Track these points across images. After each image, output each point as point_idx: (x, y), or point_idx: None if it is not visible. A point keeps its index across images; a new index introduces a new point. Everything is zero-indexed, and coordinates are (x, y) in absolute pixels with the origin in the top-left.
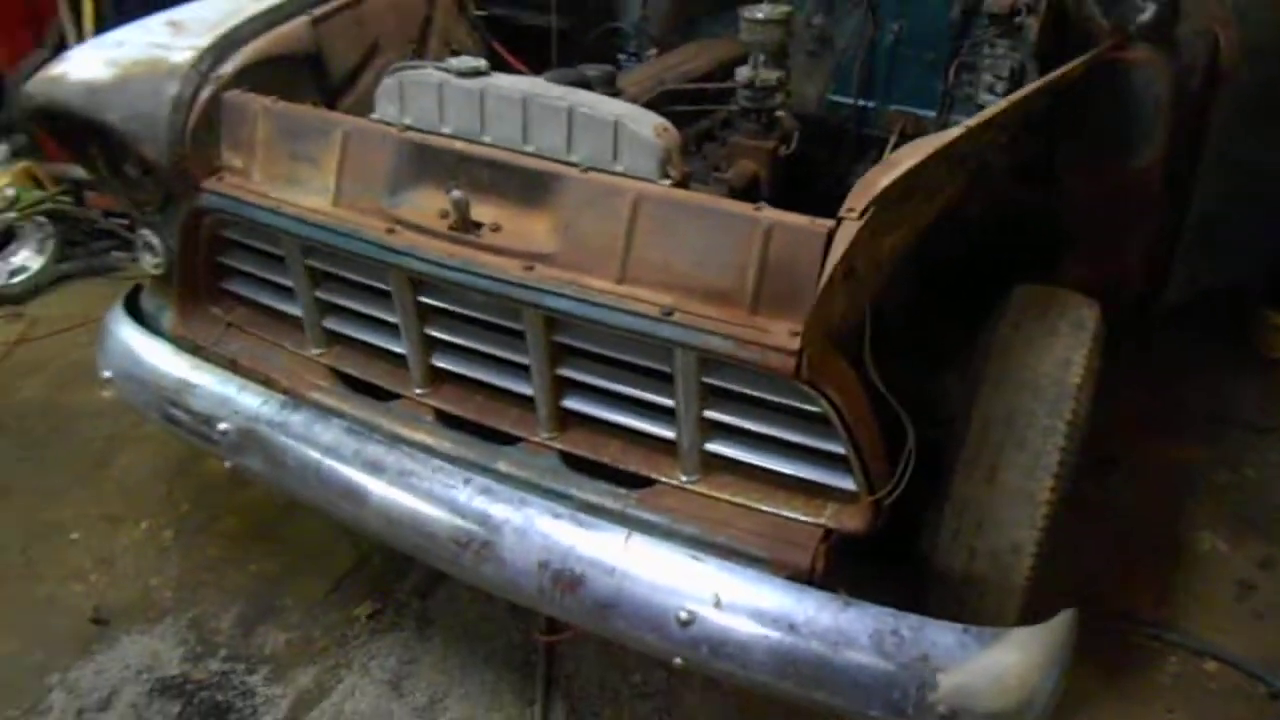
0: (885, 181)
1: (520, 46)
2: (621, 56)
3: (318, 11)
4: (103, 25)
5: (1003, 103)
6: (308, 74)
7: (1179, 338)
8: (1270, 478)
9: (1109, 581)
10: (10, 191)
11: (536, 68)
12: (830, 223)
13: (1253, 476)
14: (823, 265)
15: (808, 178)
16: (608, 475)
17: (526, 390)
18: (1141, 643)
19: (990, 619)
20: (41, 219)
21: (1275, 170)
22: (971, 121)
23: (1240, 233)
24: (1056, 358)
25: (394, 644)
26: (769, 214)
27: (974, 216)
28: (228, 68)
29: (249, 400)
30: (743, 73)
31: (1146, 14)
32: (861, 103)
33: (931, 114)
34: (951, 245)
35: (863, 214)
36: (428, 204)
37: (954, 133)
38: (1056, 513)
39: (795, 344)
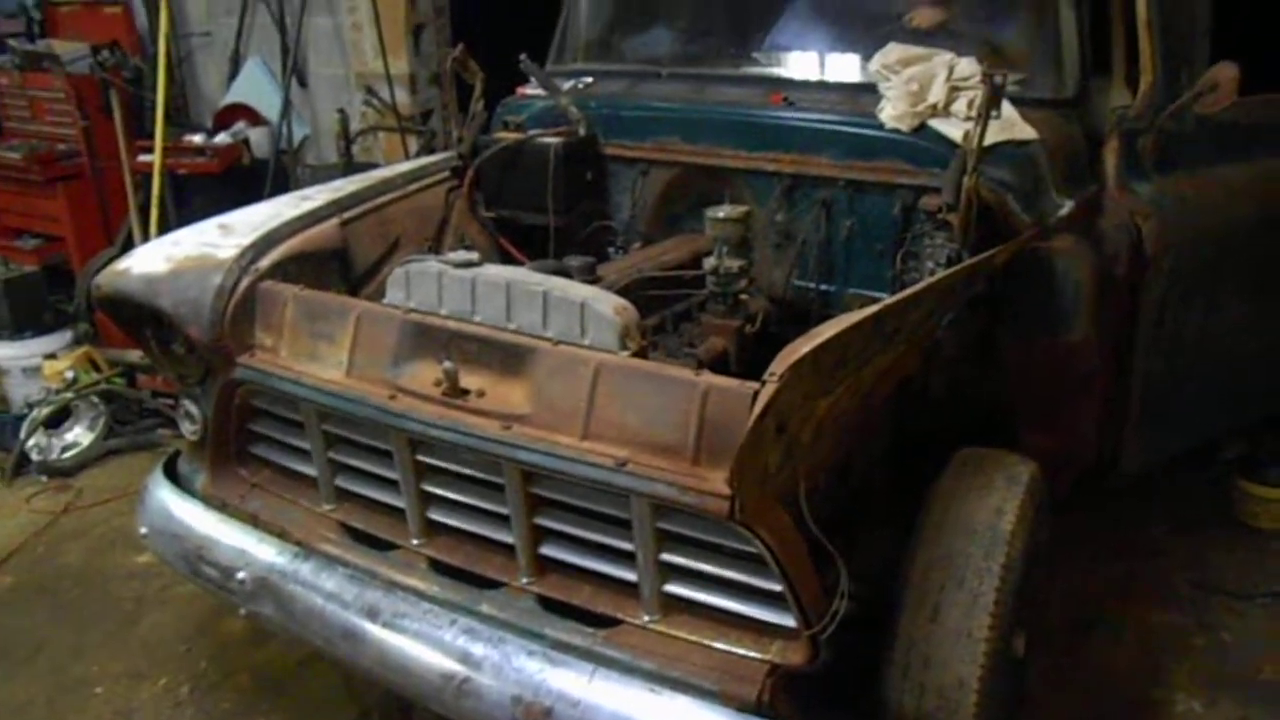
0: (805, 349)
1: (526, 241)
2: (611, 250)
3: (347, 215)
4: (166, 226)
5: (920, 284)
6: (335, 267)
7: (1163, 507)
8: (1246, 643)
9: None
10: (70, 374)
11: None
12: (756, 385)
13: (1229, 641)
14: None
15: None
16: (579, 616)
17: (509, 539)
18: None
19: None
20: (95, 399)
21: (1214, 346)
22: (890, 300)
23: (1189, 405)
24: (990, 507)
25: None
26: (706, 378)
27: (940, 392)
28: (265, 262)
29: (264, 552)
30: (709, 262)
31: (1063, 210)
32: (822, 287)
33: (884, 296)
34: (924, 418)
35: (781, 377)
36: (425, 374)
37: (872, 309)
38: (998, 651)
39: (728, 490)
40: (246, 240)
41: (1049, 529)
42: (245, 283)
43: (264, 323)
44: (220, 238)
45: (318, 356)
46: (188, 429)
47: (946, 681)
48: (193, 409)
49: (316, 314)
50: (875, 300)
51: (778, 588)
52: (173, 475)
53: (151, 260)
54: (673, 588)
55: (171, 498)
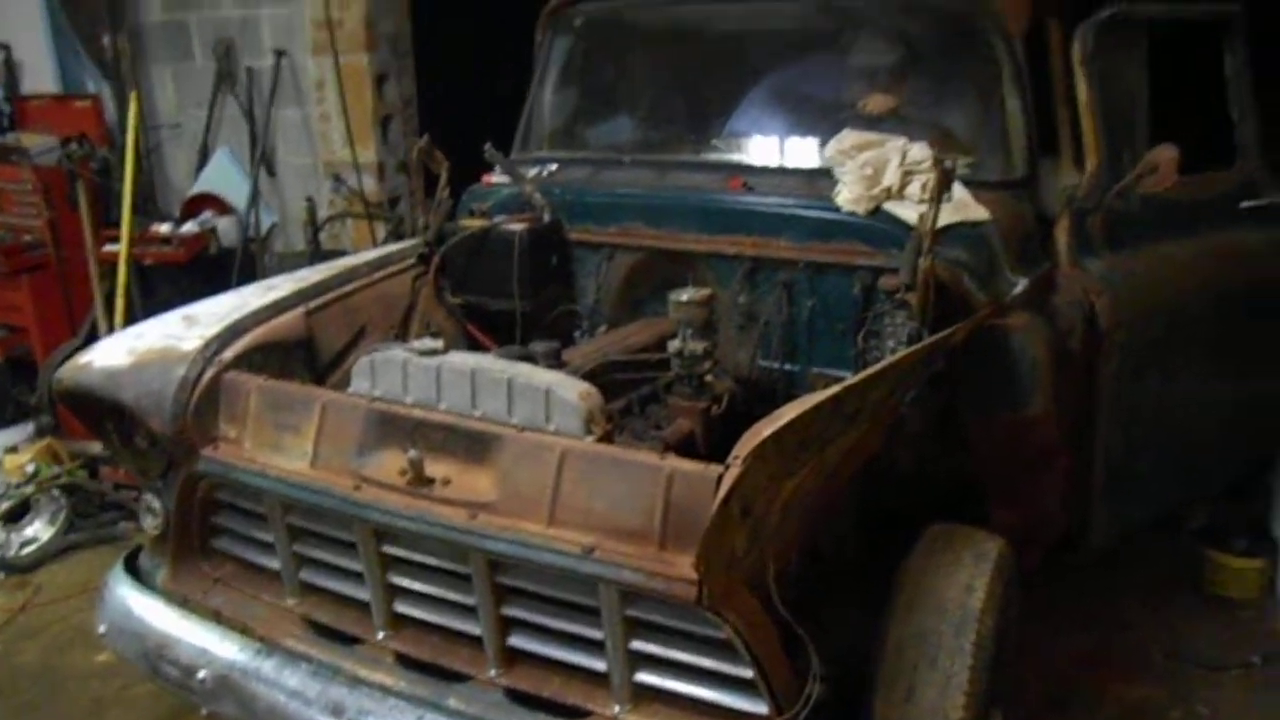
0: (767, 431)
1: (492, 327)
2: (576, 334)
3: (312, 304)
4: (131, 316)
5: (878, 365)
6: (301, 356)
7: (1132, 577)
8: (1223, 715)
9: None
10: (31, 467)
11: (505, 345)
12: (720, 468)
13: (1205, 714)
14: None
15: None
16: (549, 708)
17: (476, 631)
18: None
19: None
20: (56, 492)
21: (1173, 417)
22: (850, 380)
23: (1151, 477)
24: (960, 584)
25: None
26: (671, 462)
27: (907, 469)
28: (229, 353)
29: (226, 649)
30: (674, 345)
31: (1018, 288)
32: (786, 367)
33: (848, 374)
34: (892, 495)
35: (744, 460)
36: (390, 463)
37: (833, 389)
38: None
39: (695, 575)
40: (211, 331)
41: (1019, 604)
42: (209, 374)
43: (228, 414)
44: (184, 329)
45: (282, 447)
46: (149, 523)
47: None
48: (155, 503)
49: (281, 404)
50: (839, 379)
51: (748, 674)
52: (134, 570)
53: (114, 354)
54: (643, 676)
55: (131, 594)
